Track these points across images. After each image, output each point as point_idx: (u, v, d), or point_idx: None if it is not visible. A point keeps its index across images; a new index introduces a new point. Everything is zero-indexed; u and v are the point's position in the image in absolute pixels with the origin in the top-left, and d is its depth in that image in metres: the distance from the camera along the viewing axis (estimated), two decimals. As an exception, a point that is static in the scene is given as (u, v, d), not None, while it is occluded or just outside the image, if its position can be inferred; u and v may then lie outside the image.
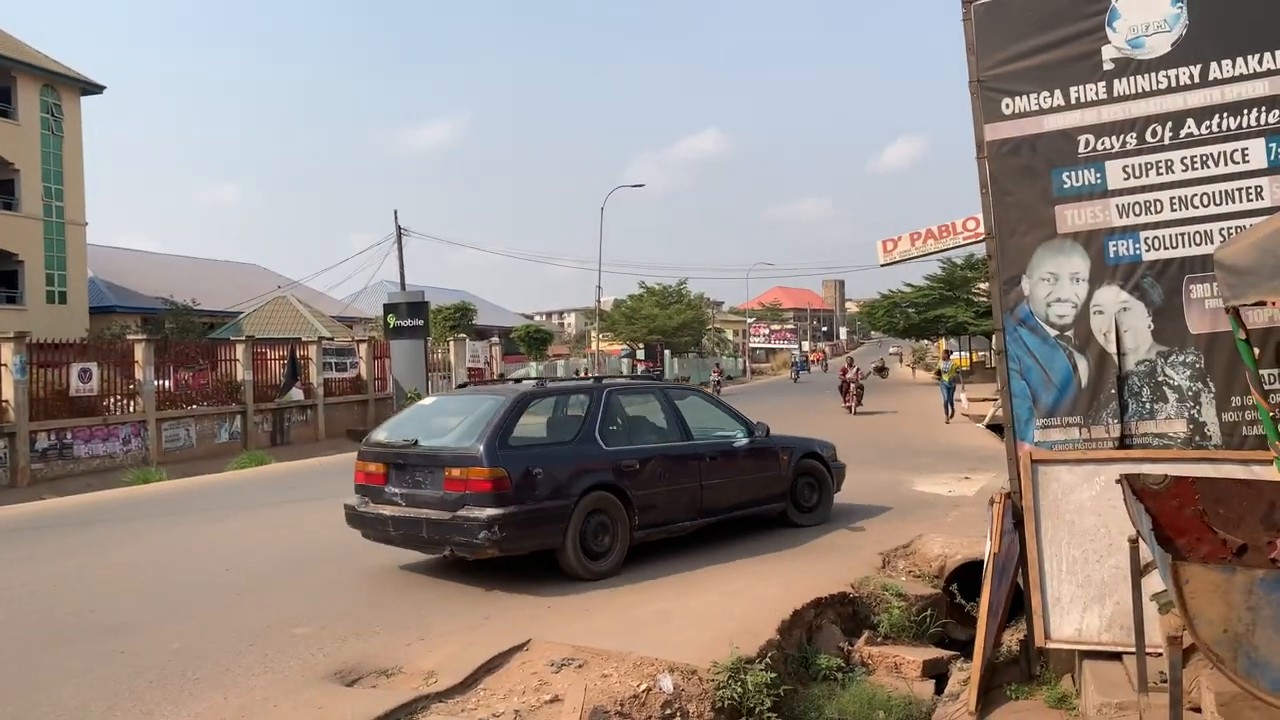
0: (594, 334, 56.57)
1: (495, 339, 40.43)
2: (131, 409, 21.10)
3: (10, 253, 33.33)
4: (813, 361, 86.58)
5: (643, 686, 5.46)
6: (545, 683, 5.49)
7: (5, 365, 18.22)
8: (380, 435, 8.75)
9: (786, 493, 9.86)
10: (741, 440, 9.57)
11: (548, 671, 5.63)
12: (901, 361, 63.71)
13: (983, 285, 50.23)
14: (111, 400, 20.78)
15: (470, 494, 7.44)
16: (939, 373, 30.82)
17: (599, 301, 50.83)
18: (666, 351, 59.01)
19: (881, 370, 56.89)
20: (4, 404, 18.13)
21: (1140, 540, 3.52)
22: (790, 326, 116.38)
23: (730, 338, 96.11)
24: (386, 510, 8.02)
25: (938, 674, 6.72)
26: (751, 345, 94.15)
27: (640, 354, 56.84)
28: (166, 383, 22.19)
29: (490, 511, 7.32)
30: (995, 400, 19.90)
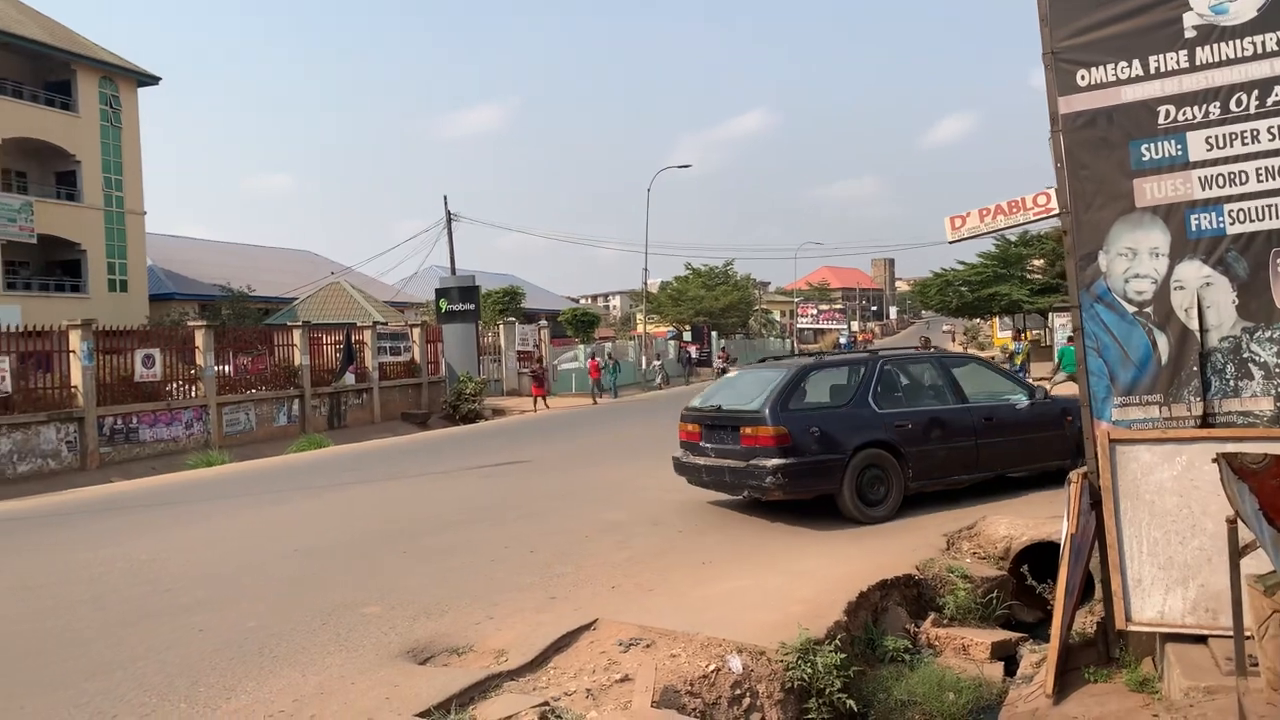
0: (640, 316, 56.55)
1: (543, 322, 40.63)
2: (193, 394, 21.54)
3: (73, 242, 34.11)
4: (863, 341, 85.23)
5: (711, 667, 5.47)
6: (614, 662, 5.52)
7: (74, 351, 18.68)
8: (695, 402, 10.62)
9: (1069, 452, 9.92)
10: (1022, 403, 10.25)
11: (616, 651, 5.66)
12: (954, 340, 62.82)
13: (1037, 262, 49.40)
14: (174, 385, 21.22)
15: (759, 448, 9.08)
16: (1011, 355, 25.64)
17: (645, 284, 50.77)
18: (713, 333, 58.83)
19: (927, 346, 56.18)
20: (73, 389, 18.60)
21: (1239, 520, 3.44)
22: (839, 306, 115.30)
23: (777, 318, 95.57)
24: (700, 460, 9.82)
25: (1006, 656, 6.64)
26: (799, 326, 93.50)
27: (687, 335, 56.70)
28: (226, 368, 22.61)
29: (774, 461, 8.94)
30: (1048, 379, 19.58)
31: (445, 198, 36.01)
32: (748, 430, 9.20)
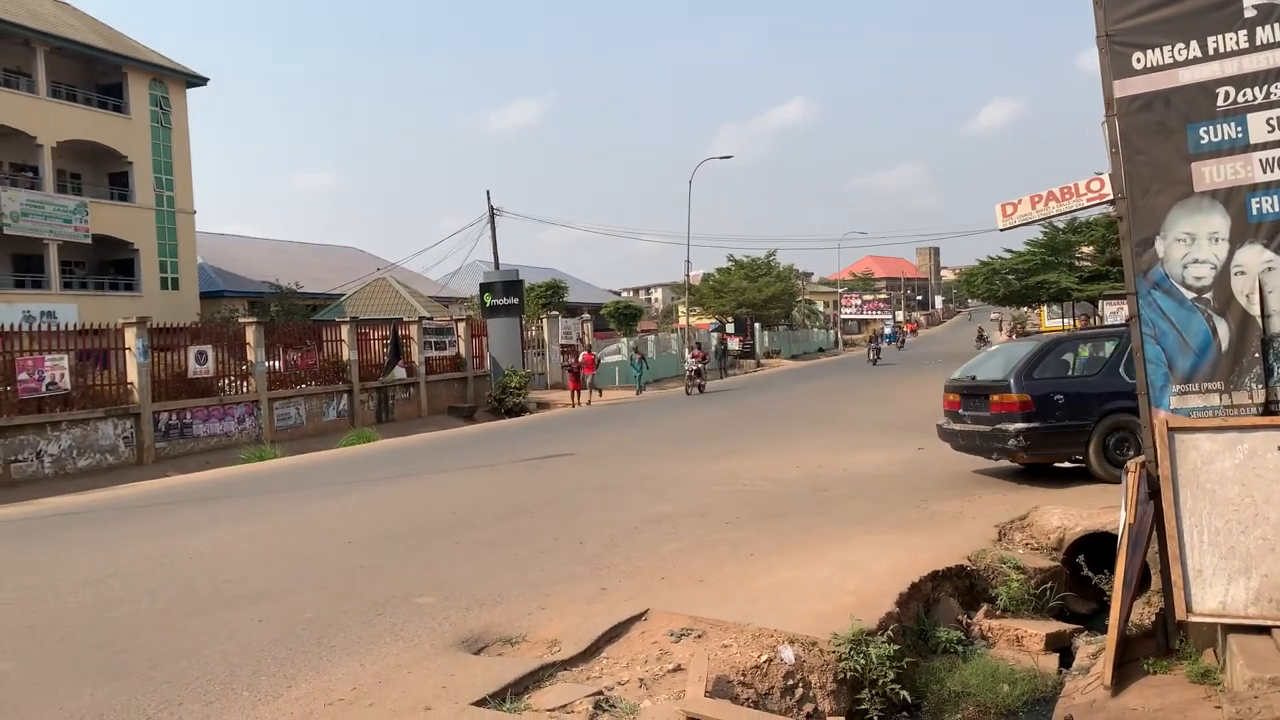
0: (682, 308, 56.48)
1: (586, 315, 40.70)
2: (245, 389, 21.92)
3: (126, 242, 34.87)
4: (907, 332, 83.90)
5: (764, 657, 5.47)
6: (666, 652, 5.54)
7: (129, 349, 19.09)
8: (955, 374, 11.66)
9: None
10: None
11: (668, 641, 5.68)
12: (1001, 329, 62.05)
13: (1086, 249, 48.52)
14: (226, 381, 21.61)
15: (1004, 414, 10.08)
16: None
17: (688, 276, 50.71)
18: (756, 324, 58.61)
19: (982, 339, 56.01)
20: (129, 385, 19.01)
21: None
22: (883, 296, 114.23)
23: (821, 309, 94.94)
24: (957, 426, 10.89)
25: (1061, 647, 6.57)
26: (843, 316, 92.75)
27: (730, 327, 56.53)
28: (276, 363, 22.96)
29: (1017, 426, 9.94)
30: None
31: (488, 193, 36.27)
32: (995, 398, 10.25)
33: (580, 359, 29.67)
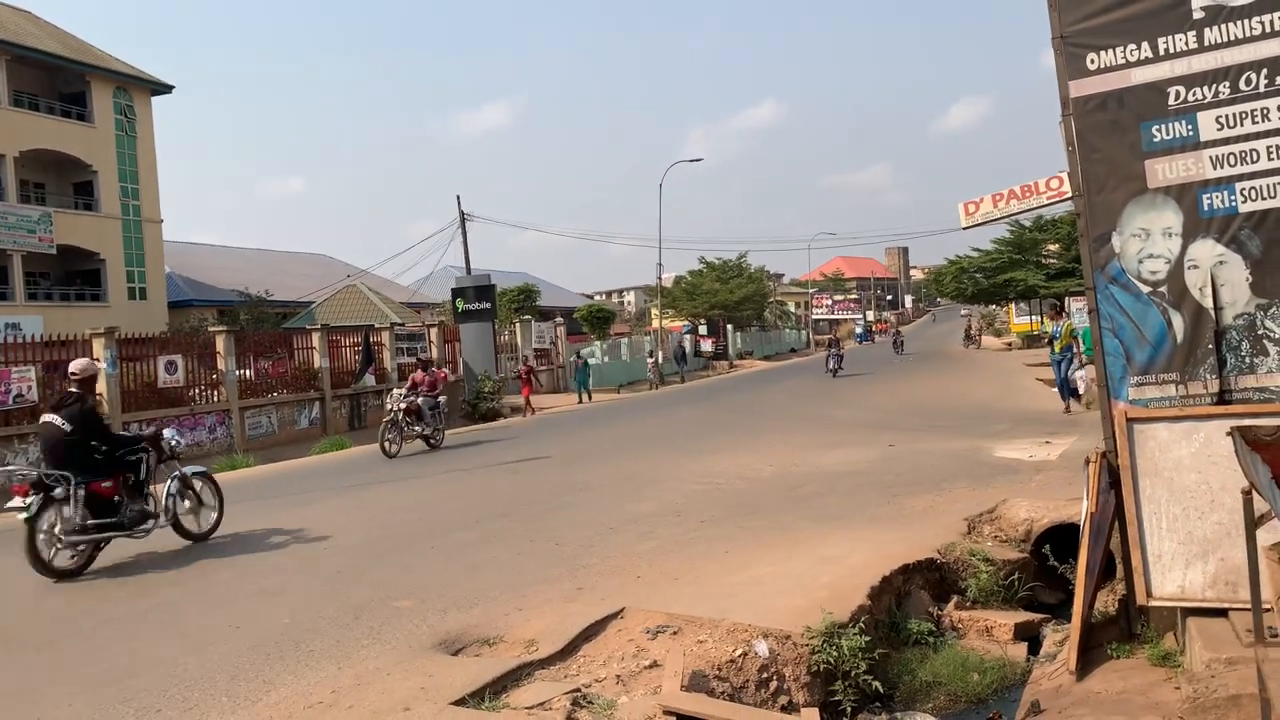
0: (655, 311, 56.64)
1: (559, 319, 40.75)
2: (215, 398, 21.77)
3: (93, 252, 34.52)
4: (877, 332, 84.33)
5: (738, 651, 5.56)
6: (643, 649, 5.61)
7: (97, 359, 18.90)
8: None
9: None
10: None
11: (644, 638, 5.76)
12: (972, 327, 62.71)
13: (1052, 247, 49.16)
14: (196, 390, 21.45)
15: None
16: (1050, 340, 18.74)
17: (660, 279, 50.85)
18: (729, 326, 58.86)
19: (970, 338, 56.75)
20: (99, 397, 18.82)
21: (1254, 492, 3.50)
22: (854, 296, 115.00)
23: (793, 310, 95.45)
24: None
25: (1030, 636, 6.69)
26: (815, 316, 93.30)
27: (703, 329, 56.76)
28: (247, 372, 22.82)
29: None
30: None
31: (458, 198, 36.16)
32: None
33: (523, 368, 28.84)
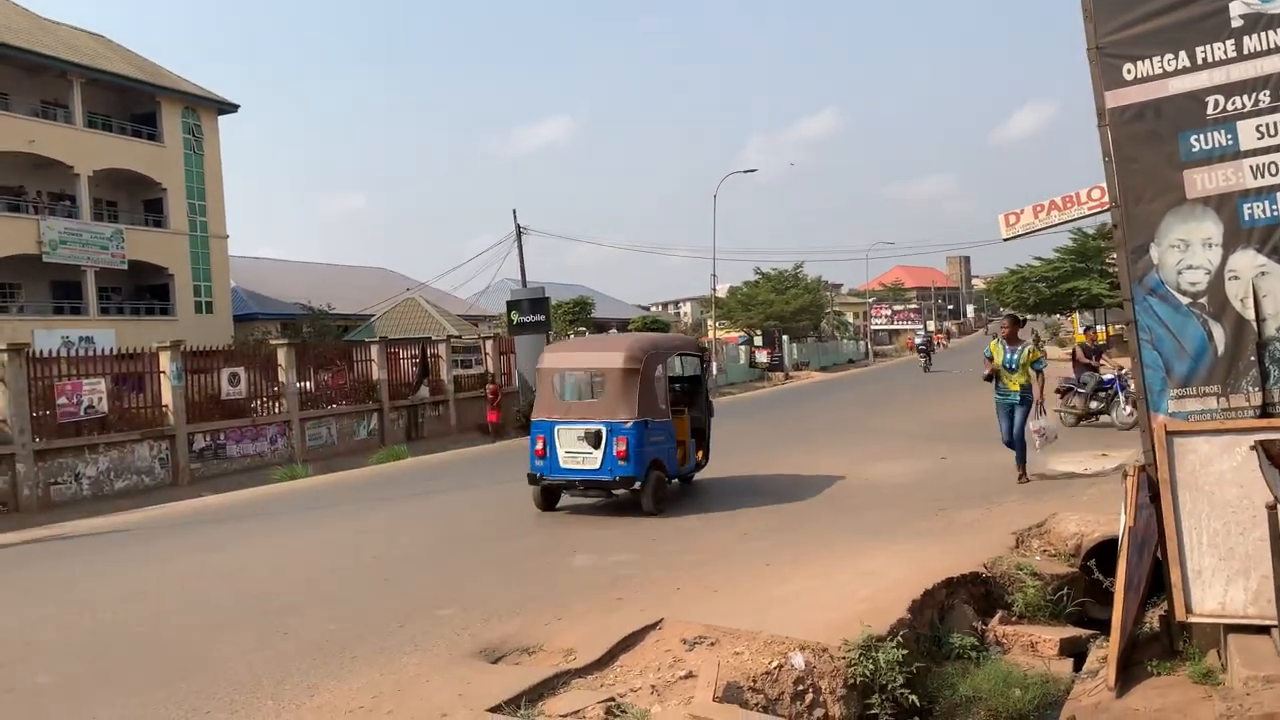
0: (710, 322, 56.58)
1: (614, 331, 40.90)
2: (277, 410, 22.27)
3: (161, 267, 35.59)
4: (937, 343, 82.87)
5: (774, 664, 5.58)
6: (679, 660, 5.66)
7: (164, 372, 19.49)
8: None
9: None
10: None
11: (681, 649, 5.80)
12: (1035, 337, 61.48)
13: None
14: (258, 402, 21.97)
15: None
16: (998, 374, 11.80)
17: (714, 289, 50.81)
18: (784, 337, 58.55)
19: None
20: (164, 408, 19.41)
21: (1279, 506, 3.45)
22: (914, 306, 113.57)
23: (851, 320, 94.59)
24: None
25: (1076, 653, 6.60)
26: (873, 327, 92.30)
27: (758, 340, 56.52)
28: (307, 384, 23.30)
29: None
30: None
31: (514, 211, 36.67)
32: None
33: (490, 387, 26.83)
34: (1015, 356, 11.03)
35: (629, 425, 10.21)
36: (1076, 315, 60.05)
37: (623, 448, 10.15)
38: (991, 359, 11.19)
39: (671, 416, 11.04)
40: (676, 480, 11.50)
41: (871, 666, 5.58)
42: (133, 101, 36.20)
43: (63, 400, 17.33)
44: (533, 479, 10.79)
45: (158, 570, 9.22)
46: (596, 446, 10.30)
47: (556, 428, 10.57)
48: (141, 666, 6.07)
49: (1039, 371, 11.06)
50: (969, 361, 47.80)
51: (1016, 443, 11.20)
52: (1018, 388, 11.03)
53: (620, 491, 10.63)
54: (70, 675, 6.01)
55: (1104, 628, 7.09)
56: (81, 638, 6.88)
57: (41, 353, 18.09)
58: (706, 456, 12.45)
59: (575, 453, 10.46)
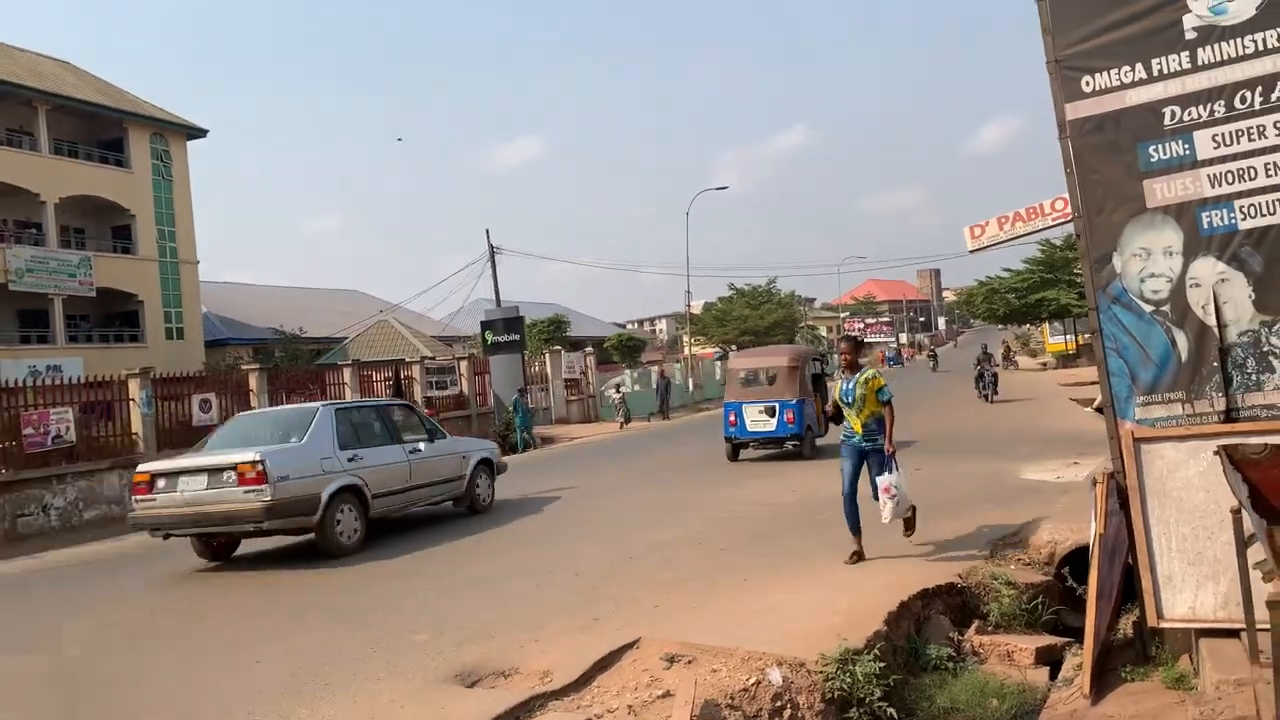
0: (686, 339, 56.70)
1: (589, 349, 40.88)
2: (249, 435, 22.05)
3: (131, 294, 35.19)
4: (906, 357, 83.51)
5: (752, 680, 5.56)
6: (656, 679, 5.63)
7: (133, 399, 19.28)
8: None
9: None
10: None
11: (659, 668, 5.77)
12: (1005, 347, 61.90)
13: (1084, 265, 48.69)
14: (230, 428, 21.74)
15: None
16: (837, 410, 8.91)
17: (689, 306, 50.97)
18: (760, 352, 58.62)
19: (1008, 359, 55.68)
20: (133, 436, 19.19)
21: (1243, 511, 3.49)
22: (886, 319, 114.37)
23: (824, 334, 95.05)
24: None
25: (1052, 661, 6.62)
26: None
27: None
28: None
29: None
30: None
31: (487, 231, 36.64)
32: None
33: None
34: (851, 387, 8.38)
35: (794, 401, 16.25)
36: (1046, 325, 60.74)
37: (791, 415, 16.17)
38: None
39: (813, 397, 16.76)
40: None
41: (849, 680, 5.58)
42: (100, 128, 35.88)
43: (29, 430, 17.08)
44: (728, 439, 16.95)
45: (128, 602, 9.08)
46: (773, 416, 16.30)
47: (744, 406, 16.64)
48: (107, 700, 5.96)
49: (887, 403, 8.45)
50: (948, 367, 48.14)
51: (853, 500, 8.49)
52: (860, 428, 8.46)
53: (791, 444, 16.77)
54: (33, 711, 5.91)
55: (1079, 635, 7.13)
56: (46, 671, 6.77)
57: (8, 382, 17.81)
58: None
59: (758, 420, 16.49)
